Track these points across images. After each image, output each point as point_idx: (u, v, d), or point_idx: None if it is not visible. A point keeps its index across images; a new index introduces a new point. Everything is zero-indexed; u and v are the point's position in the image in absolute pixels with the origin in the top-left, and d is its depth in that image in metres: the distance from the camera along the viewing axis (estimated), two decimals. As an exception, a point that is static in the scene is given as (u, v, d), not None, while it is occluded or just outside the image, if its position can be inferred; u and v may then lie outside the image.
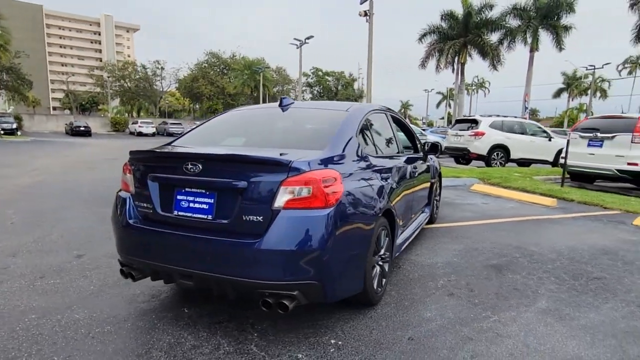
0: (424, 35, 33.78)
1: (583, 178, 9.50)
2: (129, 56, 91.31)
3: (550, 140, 13.45)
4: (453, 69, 35.95)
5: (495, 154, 12.73)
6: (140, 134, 39.68)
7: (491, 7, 31.29)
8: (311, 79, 64.10)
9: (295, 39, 29.71)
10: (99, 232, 4.83)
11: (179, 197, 2.53)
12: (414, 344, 2.48)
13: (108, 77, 51.85)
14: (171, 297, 3.13)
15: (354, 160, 2.77)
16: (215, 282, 2.40)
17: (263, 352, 2.37)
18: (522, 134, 13.23)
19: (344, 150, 2.71)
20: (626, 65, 50.41)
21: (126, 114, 62.55)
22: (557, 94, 61.30)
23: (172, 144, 3.10)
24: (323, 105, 3.62)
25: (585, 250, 4.39)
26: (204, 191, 2.46)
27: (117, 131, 47.10)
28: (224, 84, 52.03)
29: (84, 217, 5.56)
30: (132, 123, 43.28)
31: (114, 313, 2.83)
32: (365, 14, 15.85)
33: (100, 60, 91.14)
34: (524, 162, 13.42)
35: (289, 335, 2.57)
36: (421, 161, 4.53)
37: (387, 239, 3.10)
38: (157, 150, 2.82)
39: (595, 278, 3.60)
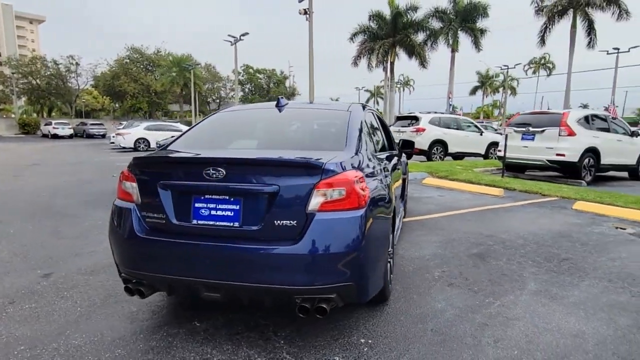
0: (355, 34, 34.78)
1: (516, 168, 10.42)
2: (34, 50, 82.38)
3: (481, 134, 14.58)
4: (383, 68, 37.47)
5: (435, 148, 13.51)
6: (55, 136, 36.09)
7: (416, 9, 33.00)
8: (242, 76, 62.88)
9: (229, 35, 28.92)
10: (58, 247, 4.36)
11: (197, 205, 2.37)
12: (439, 334, 2.59)
13: (13, 73, 46.30)
14: (173, 311, 2.93)
15: (367, 159, 2.80)
16: (248, 291, 2.30)
17: (292, 357, 2.33)
18: (458, 129, 14.19)
19: (359, 150, 2.72)
20: (531, 66, 56.08)
21: (35, 114, 56.45)
22: (473, 91, 66.37)
23: (171, 149, 2.88)
24: (319, 105, 3.60)
25: (545, 235, 4.86)
26: (227, 197, 2.33)
27: (27, 133, 42.46)
28: (150, 82, 49.10)
29: (32, 232, 4.97)
30: (45, 124, 39.17)
31: (118, 335, 2.59)
32: (305, 12, 15.90)
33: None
34: (458, 155, 14.39)
35: (317, 339, 2.54)
36: (397, 158, 4.68)
37: (392, 235, 3.18)
38: (170, 155, 2.62)
39: (564, 259, 4.01)
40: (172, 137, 12.30)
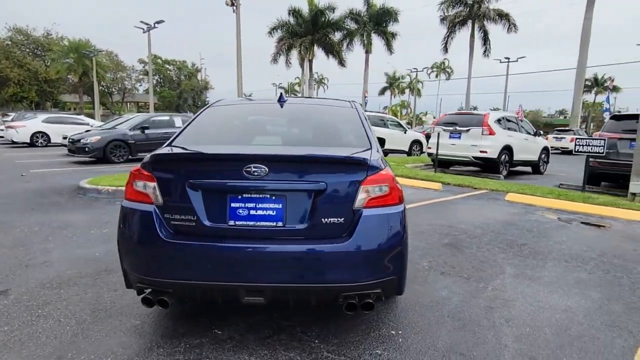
0: (274, 28, 34.62)
1: (442, 164, 11.33)
2: None
3: (405, 132, 15.55)
4: (301, 65, 37.86)
5: (365, 145, 14.05)
6: None
7: (333, 9, 33.84)
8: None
9: (142, 22, 26.61)
10: None
11: (233, 204, 2.23)
12: (457, 320, 2.77)
13: None
14: (183, 321, 2.70)
15: (383, 157, 2.87)
16: (294, 292, 2.23)
17: (342, 357, 2.32)
18: (384, 127, 14.94)
19: (378, 148, 2.78)
20: (433, 70, 60.98)
21: None
22: (382, 91, 70.16)
23: (180, 145, 2.62)
24: (318, 101, 3.57)
25: (496, 224, 5.40)
26: (268, 196, 2.23)
27: None
28: (38, 68, 43.27)
29: (-46, 243, 4.17)
30: None
31: (133, 351, 2.33)
32: (232, 4, 15.37)
33: None
34: (384, 153, 15.17)
35: (349, 335, 2.56)
36: None
37: None
38: (202, 152, 2.39)
39: (522, 245, 4.51)
40: (87, 131, 11.09)
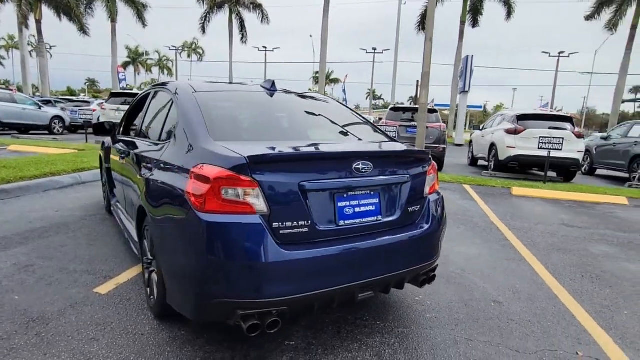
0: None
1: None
2: None
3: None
4: (23, 26, 30.02)
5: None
6: None
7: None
8: None
9: None
10: None
11: (340, 204, 2.17)
12: (442, 278, 3.38)
13: None
14: (232, 345, 2.34)
15: None
16: (396, 279, 2.37)
17: (409, 328, 2.62)
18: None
19: None
20: (185, 49, 59.19)
21: None
22: (123, 66, 63.33)
23: (223, 140, 2.18)
24: (299, 92, 3.46)
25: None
26: (369, 192, 2.28)
27: None
28: None
29: None
30: None
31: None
32: None
33: None
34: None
35: (393, 310, 2.86)
36: None
37: None
38: (320, 150, 2.07)
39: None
40: None
